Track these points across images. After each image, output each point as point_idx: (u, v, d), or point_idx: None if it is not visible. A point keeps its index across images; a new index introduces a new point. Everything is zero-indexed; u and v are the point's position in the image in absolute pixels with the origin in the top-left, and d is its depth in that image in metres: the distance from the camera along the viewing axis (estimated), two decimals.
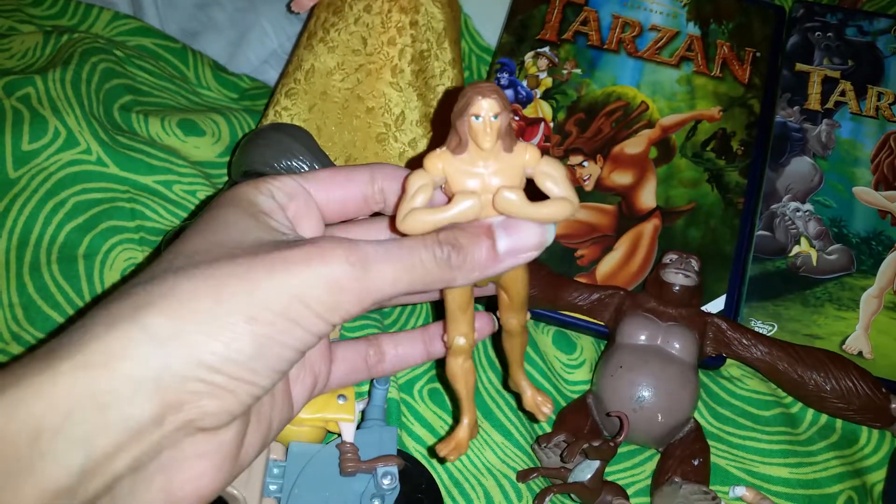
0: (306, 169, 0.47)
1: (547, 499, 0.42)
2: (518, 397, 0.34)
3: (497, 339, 0.33)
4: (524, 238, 0.26)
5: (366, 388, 0.46)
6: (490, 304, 0.48)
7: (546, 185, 0.26)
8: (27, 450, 0.22)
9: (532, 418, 0.44)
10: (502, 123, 0.25)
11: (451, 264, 0.25)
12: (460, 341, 0.30)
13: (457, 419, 0.33)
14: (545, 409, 0.32)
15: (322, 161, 0.46)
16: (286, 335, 0.24)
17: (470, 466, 0.45)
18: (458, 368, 0.30)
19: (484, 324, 0.33)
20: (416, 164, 0.27)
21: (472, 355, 0.31)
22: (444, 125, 0.25)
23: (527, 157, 0.26)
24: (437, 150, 0.27)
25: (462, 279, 0.26)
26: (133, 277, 0.26)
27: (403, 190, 0.27)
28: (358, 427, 0.42)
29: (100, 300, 0.25)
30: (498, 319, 0.32)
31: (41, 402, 0.22)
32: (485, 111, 0.25)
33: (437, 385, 0.47)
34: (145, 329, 0.23)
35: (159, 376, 0.23)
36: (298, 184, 0.28)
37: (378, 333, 0.34)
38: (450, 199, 0.26)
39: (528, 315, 0.31)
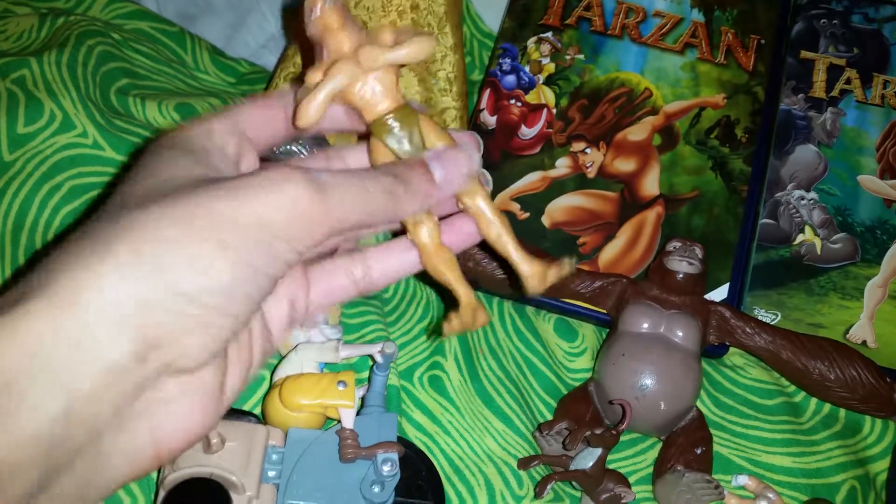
0: (305, 154, 0.46)
1: (548, 486, 0.42)
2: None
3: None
4: (455, 166, 0.28)
5: (366, 374, 0.45)
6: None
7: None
8: (1, 398, 0.20)
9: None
10: (337, 9, 0.28)
11: (395, 194, 0.27)
12: (414, 222, 0.29)
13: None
14: (534, 283, 0.30)
15: (321, 145, 0.46)
16: (260, 260, 0.24)
17: (471, 454, 0.45)
18: (431, 250, 0.29)
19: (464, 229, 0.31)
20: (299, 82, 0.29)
21: (433, 228, 0.29)
22: (307, 46, 0.29)
23: (381, 39, 0.28)
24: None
25: (408, 207, 0.28)
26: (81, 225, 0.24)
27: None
28: (357, 413, 0.41)
29: None
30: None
31: (5, 347, 0.20)
32: (309, 3, 0.28)
33: (438, 372, 0.47)
34: (114, 259, 0.22)
35: (136, 308, 0.22)
36: (229, 121, 0.29)
37: (362, 248, 0.32)
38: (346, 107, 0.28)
39: (501, 216, 0.30)
